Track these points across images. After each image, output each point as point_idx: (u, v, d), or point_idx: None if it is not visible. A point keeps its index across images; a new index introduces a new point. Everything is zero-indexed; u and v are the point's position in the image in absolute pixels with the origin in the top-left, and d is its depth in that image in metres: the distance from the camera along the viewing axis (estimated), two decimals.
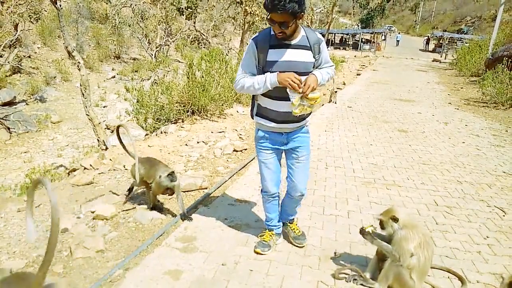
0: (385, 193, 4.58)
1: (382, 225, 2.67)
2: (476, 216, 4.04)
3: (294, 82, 2.45)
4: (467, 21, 53.25)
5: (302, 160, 2.91)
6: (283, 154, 2.99)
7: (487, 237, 3.61)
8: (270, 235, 3.17)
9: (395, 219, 2.59)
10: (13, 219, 3.64)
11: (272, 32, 2.56)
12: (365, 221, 3.81)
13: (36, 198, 4.14)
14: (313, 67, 2.68)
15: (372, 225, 2.86)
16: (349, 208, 4.11)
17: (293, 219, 3.31)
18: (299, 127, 2.84)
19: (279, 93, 2.60)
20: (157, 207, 3.86)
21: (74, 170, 5.79)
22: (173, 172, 3.58)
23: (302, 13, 2.39)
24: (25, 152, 11.30)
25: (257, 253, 3.08)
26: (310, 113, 2.80)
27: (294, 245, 3.22)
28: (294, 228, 3.28)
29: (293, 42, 2.57)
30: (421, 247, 2.54)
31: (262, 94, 2.70)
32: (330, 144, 6.51)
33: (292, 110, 2.55)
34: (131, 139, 3.93)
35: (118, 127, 3.92)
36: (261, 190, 3.09)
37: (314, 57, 2.63)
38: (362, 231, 2.81)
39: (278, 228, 3.22)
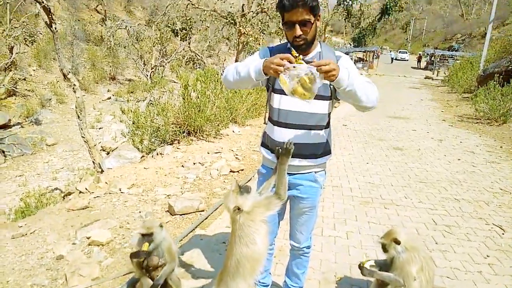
0: (383, 212, 4.56)
1: (384, 249, 2.59)
2: (475, 235, 4.03)
3: (282, 60, 1.87)
4: (458, 38, 54.23)
5: (306, 213, 2.42)
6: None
7: (487, 256, 3.59)
8: None
9: (397, 242, 2.53)
10: (7, 246, 3.57)
11: (288, 46, 2.16)
12: (364, 242, 3.79)
13: (31, 224, 4.08)
14: (330, 94, 2.16)
15: (368, 258, 2.82)
16: (347, 228, 4.08)
17: None
18: (304, 171, 2.28)
19: (278, 117, 2.20)
20: None
21: (70, 193, 5.74)
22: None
23: (319, 15, 2.08)
24: (20, 176, 11.20)
25: None
26: (322, 161, 2.32)
27: None
28: None
29: (306, 58, 2.10)
30: (423, 270, 2.52)
31: (269, 118, 2.30)
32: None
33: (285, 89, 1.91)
34: None
35: None
36: None
37: None
38: (361, 268, 2.77)
39: (263, 285, 2.70)
